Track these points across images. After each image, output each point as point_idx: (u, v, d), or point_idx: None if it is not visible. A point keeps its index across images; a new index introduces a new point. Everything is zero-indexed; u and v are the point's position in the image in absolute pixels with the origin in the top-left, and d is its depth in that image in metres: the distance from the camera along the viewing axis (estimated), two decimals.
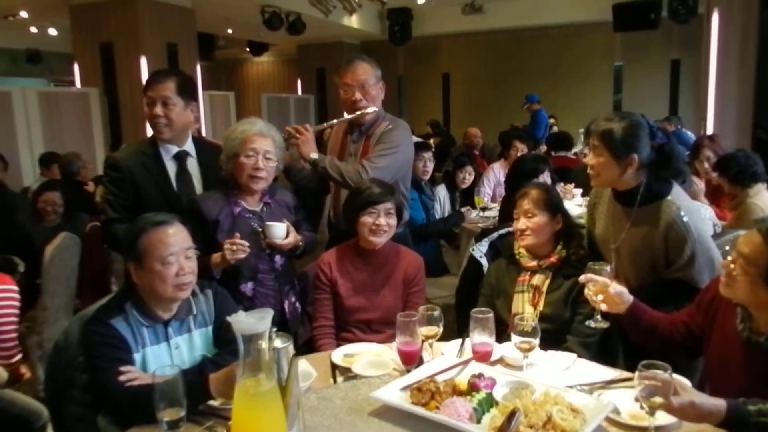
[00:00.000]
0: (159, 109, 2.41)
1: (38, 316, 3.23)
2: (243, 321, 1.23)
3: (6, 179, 5.38)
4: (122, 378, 1.68)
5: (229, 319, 1.23)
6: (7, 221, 3.89)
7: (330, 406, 1.63)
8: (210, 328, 1.95)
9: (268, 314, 1.24)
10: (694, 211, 2.14)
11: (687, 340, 1.85)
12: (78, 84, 7.73)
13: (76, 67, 7.73)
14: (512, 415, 1.24)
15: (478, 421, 1.47)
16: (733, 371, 1.65)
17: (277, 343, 1.38)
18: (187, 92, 2.47)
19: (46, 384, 2.08)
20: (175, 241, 1.82)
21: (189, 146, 2.56)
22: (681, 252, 2.06)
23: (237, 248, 2.20)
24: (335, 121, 2.87)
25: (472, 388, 1.58)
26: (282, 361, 1.39)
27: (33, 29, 10.30)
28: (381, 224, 2.37)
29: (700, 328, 1.83)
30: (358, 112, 2.74)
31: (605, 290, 1.83)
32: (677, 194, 2.11)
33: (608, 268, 1.87)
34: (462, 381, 1.65)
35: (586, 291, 1.88)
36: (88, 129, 7.27)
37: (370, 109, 2.75)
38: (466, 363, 1.77)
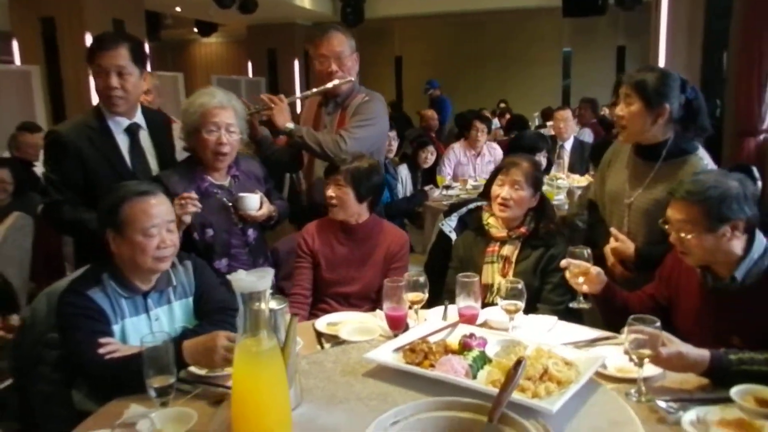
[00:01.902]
0: (114, 80, 2.21)
1: None
2: (243, 279, 1.21)
3: None
4: (102, 350, 1.61)
5: (229, 277, 1.21)
6: None
7: (322, 369, 1.62)
8: (190, 299, 1.90)
9: (268, 273, 1.22)
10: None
11: (656, 314, 1.91)
12: (17, 62, 7.33)
13: (15, 44, 7.33)
14: (518, 363, 1.26)
15: (474, 377, 1.50)
16: (706, 325, 1.72)
17: (273, 304, 1.35)
18: (141, 59, 2.29)
19: (12, 363, 1.98)
20: (158, 212, 1.76)
21: (139, 118, 2.38)
22: None
23: (186, 202, 2.11)
24: (310, 91, 2.82)
25: (465, 347, 1.60)
26: (279, 323, 1.36)
27: None
28: (330, 195, 2.35)
29: (666, 299, 1.91)
30: (335, 82, 2.70)
31: (587, 272, 1.88)
32: (704, 153, 2.14)
33: (587, 252, 1.91)
34: (453, 342, 1.66)
35: (567, 275, 1.91)
36: (29, 108, 6.91)
37: (347, 78, 2.71)
38: (454, 325, 1.79)
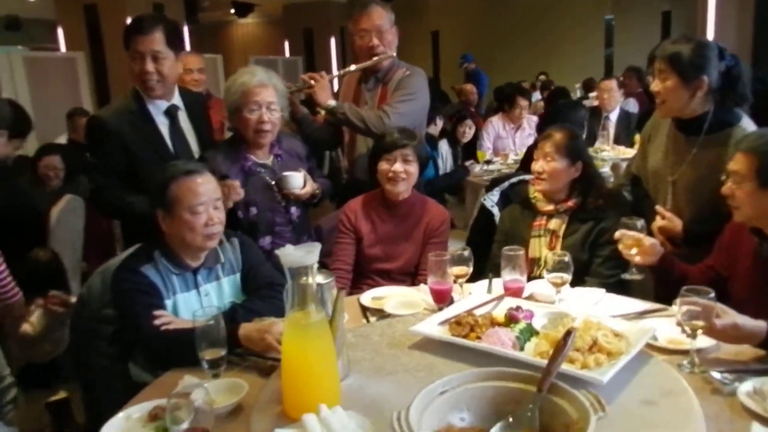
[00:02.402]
0: (150, 65, 2.21)
1: None
2: (291, 254, 1.23)
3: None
4: (157, 322, 1.67)
5: (277, 252, 1.24)
6: (6, 188, 3.80)
7: (369, 342, 1.64)
8: (238, 275, 1.94)
9: (315, 247, 1.24)
10: None
11: (716, 285, 1.85)
12: (63, 49, 7.53)
13: (60, 32, 7.52)
14: (568, 334, 1.25)
15: (521, 349, 1.49)
16: (761, 294, 1.67)
17: (320, 278, 1.37)
18: (176, 42, 2.29)
19: (71, 337, 2.06)
20: (205, 191, 1.79)
21: (177, 99, 2.39)
22: None
23: (228, 192, 2.12)
24: (352, 67, 2.79)
25: (511, 319, 1.59)
26: (326, 297, 1.38)
27: None
28: (397, 171, 2.32)
29: (725, 268, 1.84)
30: (376, 58, 2.68)
31: (640, 243, 1.83)
32: (748, 123, 2.05)
33: (641, 223, 1.86)
34: (499, 315, 1.66)
35: (620, 246, 1.87)
36: (75, 94, 7.10)
37: (389, 53, 2.69)
38: (500, 298, 1.78)
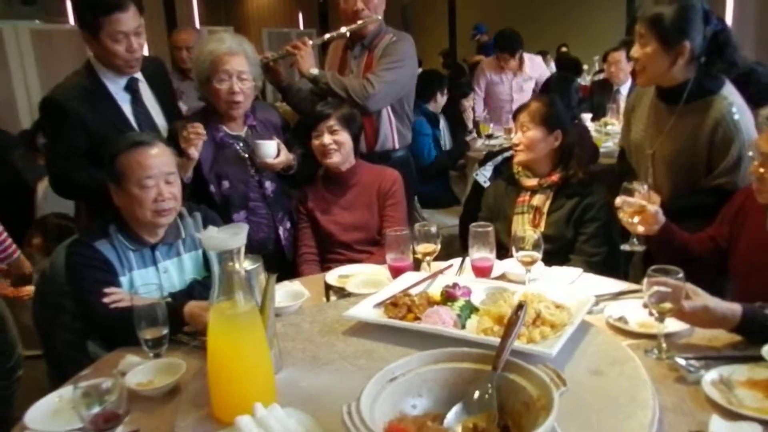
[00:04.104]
0: (136, 43, 2.05)
1: (33, 254, 3.18)
2: (215, 237, 1.12)
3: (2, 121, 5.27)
4: (106, 300, 1.61)
5: (199, 235, 1.15)
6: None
7: (300, 331, 1.53)
8: (200, 251, 1.86)
9: (242, 229, 1.14)
10: (747, 110, 1.92)
11: (715, 256, 1.75)
12: (72, 22, 7.49)
13: (68, 3, 7.47)
14: (519, 308, 1.17)
15: (463, 327, 1.42)
16: (765, 276, 1.55)
17: (246, 264, 1.25)
18: (141, 7, 2.10)
19: (36, 311, 2.03)
20: (154, 164, 1.71)
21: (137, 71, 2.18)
22: (726, 153, 1.87)
23: (189, 133, 2.02)
24: (336, 32, 2.69)
25: (449, 297, 1.51)
26: (253, 284, 1.27)
27: None
28: (326, 143, 2.27)
29: (726, 240, 1.72)
30: (360, 21, 2.58)
31: (642, 210, 1.68)
32: (729, 90, 1.92)
33: (644, 188, 1.71)
34: (434, 293, 1.58)
35: (620, 214, 1.72)
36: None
37: (375, 17, 2.58)
38: (434, 276, 1.69)
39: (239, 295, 1.14)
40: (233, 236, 1.11)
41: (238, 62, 2.18)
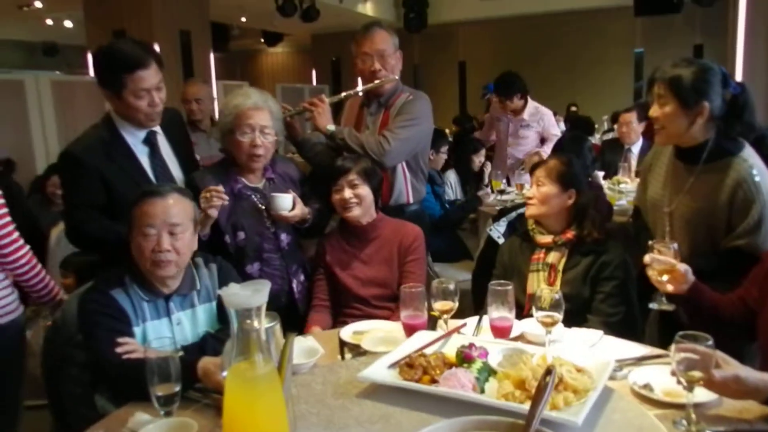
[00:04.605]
0: (157, 98, 2.09)
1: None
2: (237, 294, 1.08)
3: (18, 170, 5.34)
4: (119, 350, 1.58)
5: (220, 292, 1.10)
6: (14, 213, 3.81)
7: (311, 393, 1.48)
8: (214, 303, 1.85)
9: (264, 286, 1.10)
10: (767, 172, 1.93)
11: (746, 319, 1.70)
12: (92, 73, 7.70)
13: (89, 56, 7.69)
14: (548, 372, 1.13)
15: (482, 391, 1.37)
16: None
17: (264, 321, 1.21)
18: (162, 62, 2.13)
19: (43, 362, 1.99)
20: (157, 213, 1.70)
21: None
22: (746, 215, 1.86)
23: (211, 195, 2.03)
24: (353, 91, 2.75)
25: (466, 358, 1.47)
26: (271, 342, 1.24)
27: (49, 21, 10.32)
28: (346, 198, 2.26)
29: (755, 302, 1.68)
30: (377, 81, 2.62)
31: (672, 269, 1.66)
32: (749, 152, 1.93)
33: (674, 247, 1.69)
34: (449, 353, 1.53)
35: (649, 272, 1.70)
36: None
37: (391, 77, 2.63)
38: (449, 335, 1.65)
39: (258, 356, 1.09)
40: (255, 293, 1.07)
41: (262, 117, 2.21)
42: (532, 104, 4.93)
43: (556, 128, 5.06)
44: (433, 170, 4.32)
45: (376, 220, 2.34)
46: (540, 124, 4.90)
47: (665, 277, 1.67)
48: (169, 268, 1.71)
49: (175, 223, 1.71)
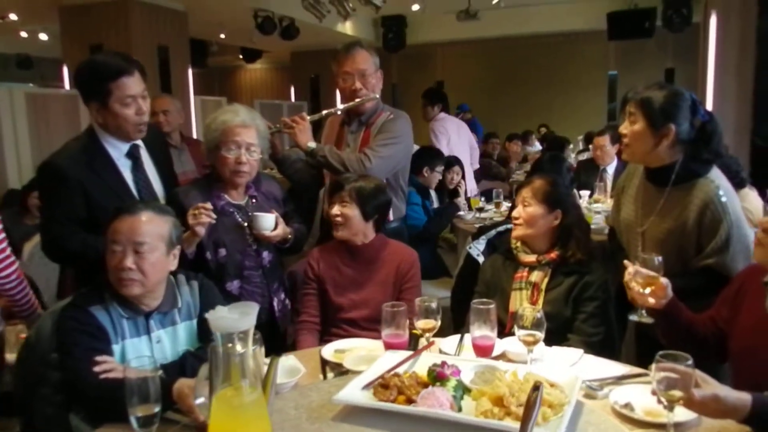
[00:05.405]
0: (144, 105, 2.09)
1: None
2: (224, 317, 1.05)
3: None
4: (97, 369, 1.55)
5: (207, 315, 1.06)
6: None
7: (286, 418, 1.44)
8: (194, 321, 1.83)
9: (252, 309, 1.07)
10: (733, 193, 2.01)
11: (717, 339, 1.74)
12: (67, 86, 7.60)
13: (65, 69, 7.61)
14: (536, 389, 1.14)
15: (459, 409, 1.38)
16: (762, 359, 1.54)
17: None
18: (144, 72, 2.14)
19: (16, 382, 1.94)
20: (123, 230, 1.67)
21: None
22: (715, 235, 1.93)
23: (200, 212, 2.03)
24: (333, 109, 2.77)
25: (439, 377, 1.47)
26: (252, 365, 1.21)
27: (23, 34, 10.16)
28: (333, 214, 2.27)
29: (725, 322, 1.72)
30: (358, 100, 2.64)
31: (655, 282, 1.68)
32: (716, 174, 2.00)
33: (658, 260, 1.70)
34: (421, 373, 1.53)
35: (632, 284, 1.71)
36: (76, 131, 7.01)
37: (372, 96, 2.65)
38: (418, 353, 1.66)
39: (245, 382, 1.05)
40: (243, 317, 1.05)
41: (249, 135, 2.21)
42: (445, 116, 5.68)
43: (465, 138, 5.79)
44: (424, 185, 4.35)
45: (373, 241, 2.33)
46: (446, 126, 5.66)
47: (648, 290, 1.69)
48: (132, 287, 1.66)
49: (140, 242, 1.66)
